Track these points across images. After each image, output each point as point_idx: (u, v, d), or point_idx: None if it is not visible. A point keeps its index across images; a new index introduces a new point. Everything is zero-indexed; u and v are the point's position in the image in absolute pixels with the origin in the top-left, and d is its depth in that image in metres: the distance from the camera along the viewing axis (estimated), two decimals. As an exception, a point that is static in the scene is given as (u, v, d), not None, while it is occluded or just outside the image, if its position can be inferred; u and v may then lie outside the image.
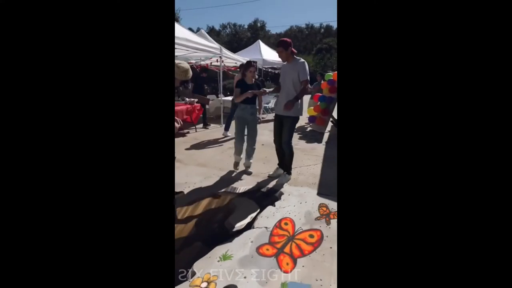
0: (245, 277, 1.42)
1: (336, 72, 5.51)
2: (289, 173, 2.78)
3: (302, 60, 2.58)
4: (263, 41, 10.28)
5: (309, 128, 5.84)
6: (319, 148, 4.21)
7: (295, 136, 4.21)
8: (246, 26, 32.87)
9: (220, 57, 5.66)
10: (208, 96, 6.37)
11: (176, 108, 4.80)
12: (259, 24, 30.79)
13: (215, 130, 5.37)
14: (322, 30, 34.54)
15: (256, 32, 29.33)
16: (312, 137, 5.06)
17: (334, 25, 33.96)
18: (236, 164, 3.03)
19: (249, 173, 2.95)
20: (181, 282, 1.39)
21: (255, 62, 2.95)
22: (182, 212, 2.10)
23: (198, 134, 5.09)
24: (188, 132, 5.13)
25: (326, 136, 5.15)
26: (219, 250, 1.63)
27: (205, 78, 6.21)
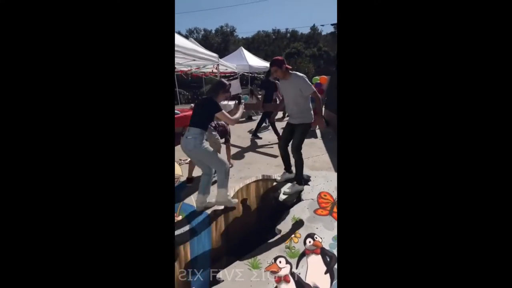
0: (317, 228, 1.99)
1: (322, 76, 6.31)
2: (300, 183, 2.61)
3: (301, 74, 2.52)
4: (233, 47, 10.74)
5: (300, 127, 6.55)
6: (318, 142, 4.90)
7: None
8: (213, 31, 33.36)
9: (218, 64, 6.13)
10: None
11: (184, 114, 5.16)
12: (229, 30, 31.40)
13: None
14: (288, 35, 36.19)
15: (226, 38, 29.88)
16: (306, 134, 5.74)
17: (300, 30, 36.00)
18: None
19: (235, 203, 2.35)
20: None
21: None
22: (239, 193, 2.60)
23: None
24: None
25: (318, 132, 5.88)
26: (288, 215, 2.18)
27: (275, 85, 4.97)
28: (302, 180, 2.66)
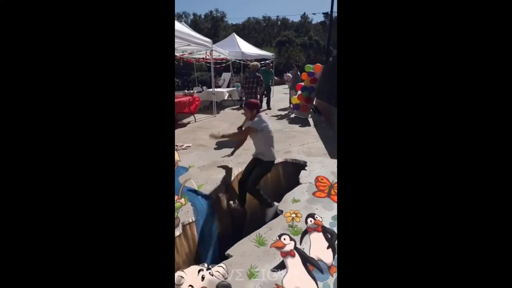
0: (316, 209, 2.09)
1: (316, 64, 6.35)
2: (270, 206, 2.25)
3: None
4: (223, 33, 10.48)
5: (293, 115, 6.63)
6: (312, 130, 5.00)
7: (285, 122, 4.88)
8: (203, 17, 32.40)
9: (211, 50, 6.03)
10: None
11: (179, 99, 5.13)
12: (219, 15, 30.54)
13: (213, 119, 5.80)
14: (279, 22, 35.72)
15: (216, 23, 29.12)
16: (299, 122, 5.84)
17: (290, 18, 35.61)
18: None
19: None
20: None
21: None
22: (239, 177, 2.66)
23: (201, 123, 5.49)
24: (188, 123, 5.49)
25: (310, 120, 5.98)
26: (288, 197, 2.27)
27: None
28: (268, 203, 2.29)
